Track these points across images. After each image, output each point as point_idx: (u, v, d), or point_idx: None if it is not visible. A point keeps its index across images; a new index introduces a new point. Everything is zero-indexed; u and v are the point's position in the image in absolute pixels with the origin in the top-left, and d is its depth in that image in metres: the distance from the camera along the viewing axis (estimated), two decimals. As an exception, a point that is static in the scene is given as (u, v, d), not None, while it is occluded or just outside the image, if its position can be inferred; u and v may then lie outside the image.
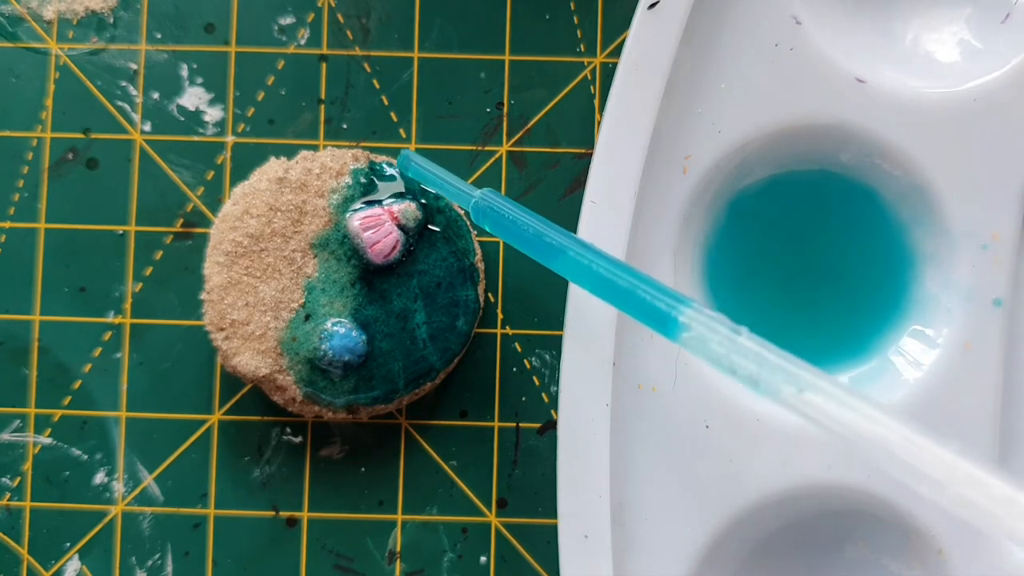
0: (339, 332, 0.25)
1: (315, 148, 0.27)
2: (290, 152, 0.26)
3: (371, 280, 0.25)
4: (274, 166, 0.26)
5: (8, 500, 0.27)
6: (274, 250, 0.25)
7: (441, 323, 0.25)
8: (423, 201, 0.26)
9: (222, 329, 0.25)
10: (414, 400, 0.27)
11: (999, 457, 0.25)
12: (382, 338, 0.25)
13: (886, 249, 0.26)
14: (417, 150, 0.28)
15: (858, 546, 0.26)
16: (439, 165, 0.25)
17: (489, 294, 0.28)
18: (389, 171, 0.26)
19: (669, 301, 0.19)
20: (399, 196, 0.26)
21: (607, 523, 0.24)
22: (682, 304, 0.19)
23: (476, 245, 0.27)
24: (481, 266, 0.26)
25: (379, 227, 0.25)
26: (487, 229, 0.23)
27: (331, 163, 0.26)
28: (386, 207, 0.25)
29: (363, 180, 0.26)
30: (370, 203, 0.25)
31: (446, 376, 0.27)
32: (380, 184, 0.26)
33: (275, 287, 0.25)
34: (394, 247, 0.25)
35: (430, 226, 0.26)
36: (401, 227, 0.25)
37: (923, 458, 0.15)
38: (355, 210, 0.25)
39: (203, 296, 0.25)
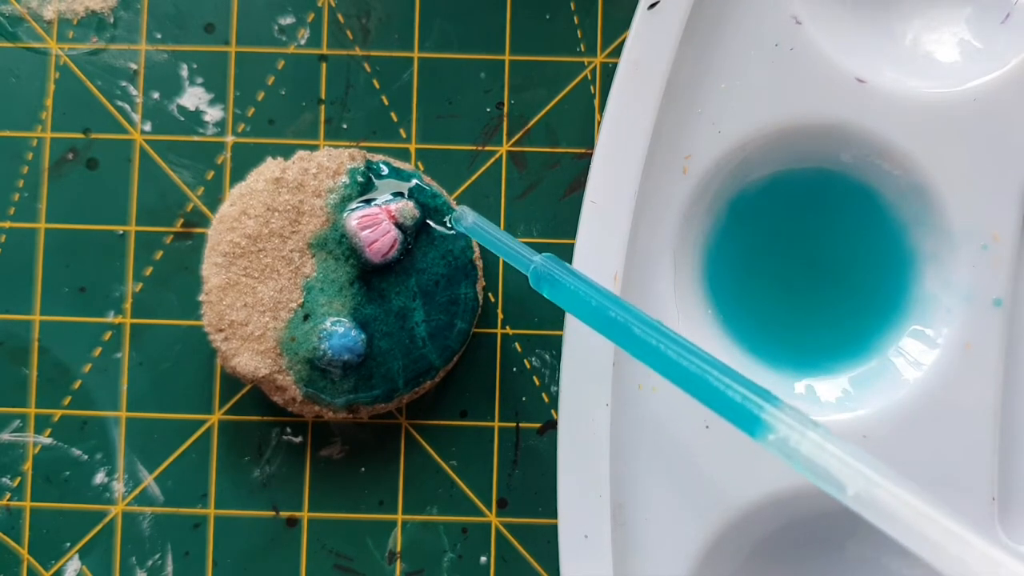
0: (338, 331, 0.25)
1: (315, 148, 0.27)
2: (290, 152, 0.26)
3: (369, 279, 0.25)
4: (271, 166, 0.26)
5: (8, 500, 0.27)
6: (272, 250, 0.25)
7: (440, 321, 0.25)
8: (420, 199, 0.26)
9: (221, 330, 0.25)
10: (414, 399, 0.27)
11: (999, 457, 0.25)
12: (381, 337, 0.25)
13: (886, 249, 0.26)
14: (417, 150, 0.28)
15: (859, 546, 0.26)
16: (496, 225, 0.24)
17: (489, 294, 0.28)
18: (386, 170, 0.26)
19: (751, 396, 0.18)
20: (396, 195, 0.26)
21: (607, 523, 0.24)
22: (767, 402, 0.18)
23: (475, 243, 0.27)
24: (479, 264, 0.26)
25: (377, 226, 0.25)
26: (545, 295, 0.22)
27: (328, 163, 0.26)
28: (383, 206, 0.25)
29: (360, 179, 0.26)
30: (367, 202, 0.25)
31: (446, 375, 0.27)
32: (377, 183, 0.26)
33: (273, 287, 0.25)
34: (392, 246, 0.25)
35: (429, 221, 0.26)
36: (399, 226, 0.25)
37: None
38: (352, 209, 0.25)
39: (202, 297, 0.25)
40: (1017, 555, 0.15)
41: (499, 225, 0.28)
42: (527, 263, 0.23)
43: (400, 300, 0.25)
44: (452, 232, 0.26)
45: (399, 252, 0.25)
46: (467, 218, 0.25)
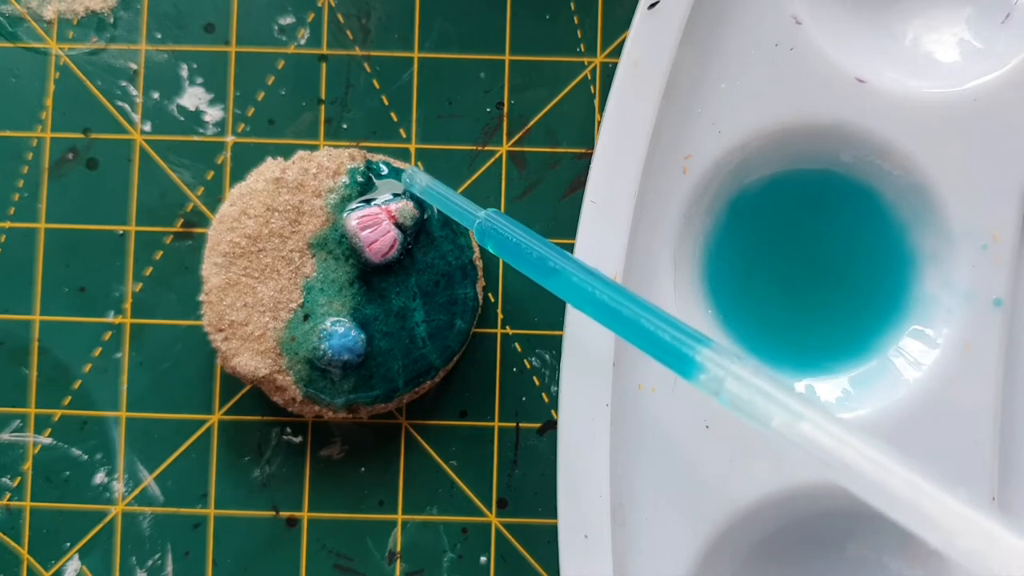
0: (338, 331, 0.25)
1: (315, 148, 0.27)
2: (290, 152, 0.26)
3: (369, 279, 0.25)
4: (271, 166, 0.26)
5: (8, 500, 0.27)
6: (272, 250, 0.25)
7: (440, 321, 0.25)
8: (420, 200, 0.26)
9: (221, 330, 0.25)
10: (414, 399, 0.27)
11: (999, 457, 0.25)
12: (381, 337, 0.25)
13: (886, 249, 0.26)
14: (417, 150, 0.28)
15: (859, 546, 0.26)
16: (442, 183, 0.25)
17: (489, 294, 0.28)
18: (386, 170, 0.26)
19: (682, 337, 0.18)
20: (396, 195, 0.26)
21: (607, 523, 0.24)
22: (699, 343, 0.18)
23: (474, 243, 0.27)
24: (479, 264, 0.26)
25: (377, 226, 0.25)
26: (490, 250, 0.23)
27: (328, 163, 0.26)
28: (383, 206, 0.25)
29: (360, 179, 0.26)
30: (367, 202, 0.25)
31: (446, 375, 0.27)
32: (377, 183, 0.26)
33: (273, 287, 0.25)
34: (392, 246, 0.25)
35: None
36: (399, 226, 0.25)
37: (931, 507, 0.15)
38: (352, 209, 0.25)
39: (202, 297, 0.25)
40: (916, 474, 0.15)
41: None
42: (472, 218, 0.23)
43: (400, 300, 0.25)
44: (445, 236, 0.26)
45: (399, 252, 0.25)
46: (420, 179, 0.25)
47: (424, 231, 0.26)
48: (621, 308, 0.20)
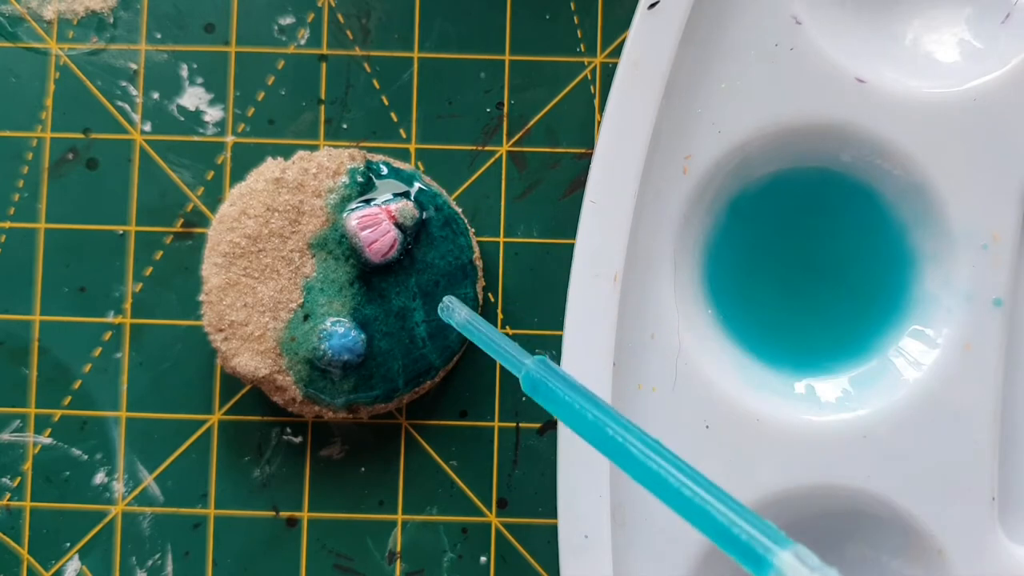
0: (338, 332, 0.25)
1: (315, 148, 0.27)
2: (290, 152, 0.26)
3: (369, 279, 0.25)
4: (271, 166, 0.26)
5: (8, 500, 0.27)
6: (272, 251, 0.25)
7: (440, 321, 0.25)
8: (421, 200, 0.26)
9: (221, 330, 0.25)
10: (414, 399, 0.27)
11: (999, 457, 0.25)
12: (381, 337, 0.25)
13: (886, 249, 0.26)
14: (417, 150, 0.28)
15: (859, 545, 0.26)
16: (489, 324, 0.23)
17: (489, 294, 0.28)
18: (386, 170, 0.26)
19: (759, 537, 0.15)
20: (396, 195, 0.26)
21: (607, 523, 0.24)
22: (776, 543, 0.15)
23: (474, 243, 0.27)
24: (480, 264, 0.26)
25: (377, 226, 0.25)
26: (537, 401, 0.20)
27: (328, 163, 0.26)
28: (383, 206, 0.25)
29: (360, 179, 0.26)
30: (367, 202, 0.25)
31: (446, 375, 0.27)
32: (377, 183, 0.26)
33: (273, 287, 0.25)
34: (392, 246, 0.25)
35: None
36: (399, 226, 0.25)
37: None
38: (352, 209, 0.25)
39: (201, 297, 0.25)
40: None
41: (499, 225, 0.28)
42: (519, 366, 0.21)
43: (400, 300, 0.25)
44: (445, 236, 0.26)
45: (399, 252, 0.25)
46: (458, 313, 0.24)
47: (424, 231, 0.26)
48: (691, 495, 0.17)
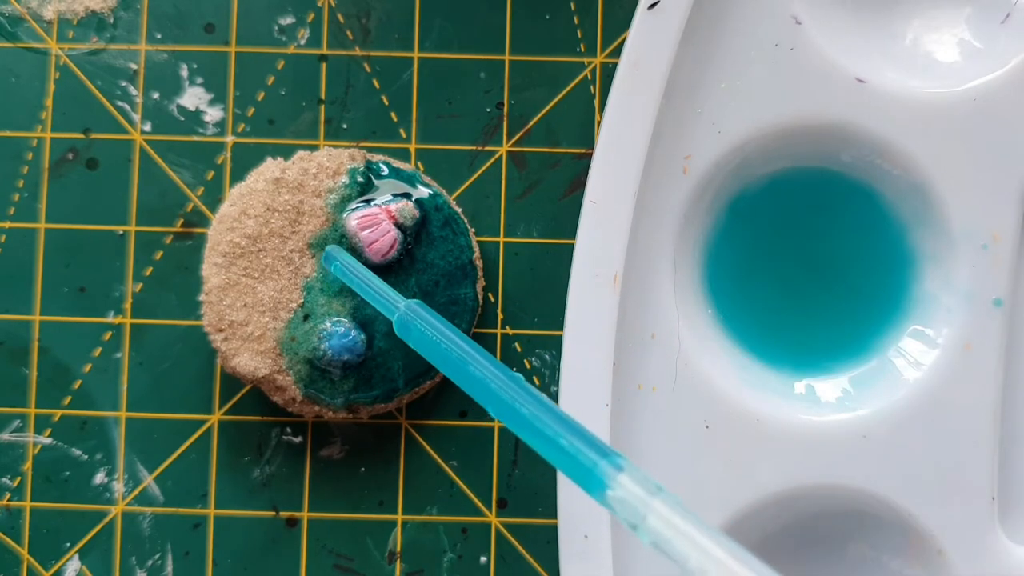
0: (338, 332, 0.25)
1: (315, 148, 0.27)
2: (290, 152, 0.26)
3: (369, 279, 0.25)
4: (271, 166, 0.26)
5: (8, 500, 0.27)
6: (272, 250, 0.25)
7: (440, 321, 0.26)
8: (420, 200, 0.26)
9: (221, 330, 0.25)
10: (414, 399, 0.27)
11: (999, 457, 0.25)
12: (381, 337, 0.25)
13: (886, 249, 0.26)
14: (417, 150, 0.28)
15: (859, 545, 0.26)
16: (363, 265, 0.24)
17: (489, 294, 0.28)
18: (386, 170, 0.26)
19: (595, 456, 0.17)
20: (396, 195, 0.26)
21: (607, 523, 0.24)
22: (608, 461, 0.17)
23: (474, 243, 0.27)
24: (479, 264, 0.26)
25: (377, 226, 0.25)
26: (410, 345, 0.22)
27: (328, 163, 0.26)
28: (383, 206, 0.25)
29: (360, 179, 0.26)
30: (367, 202, 0.25)
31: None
32: (377, 183, 0.26)
33: (273, 287, 0.25)
34: (392, 246, 0.25)
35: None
36: (399, 226, 0.25)
37: None
38: (352, 209, 0.25)
39: (201, 297, 0.25)
40: None
41: (499, 225, 0.28)
42: (392, 309, 0.22)
43: (400, 300, 0.25)
44: (445, 236, 0.26)
45: (399, 252, 0.25)
46: (339, 260, 0.24)
47: (424, 231, 0.26)
48: (537, 422, 0.18)
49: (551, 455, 0.18)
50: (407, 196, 0.26)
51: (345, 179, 0.25)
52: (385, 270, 0.25)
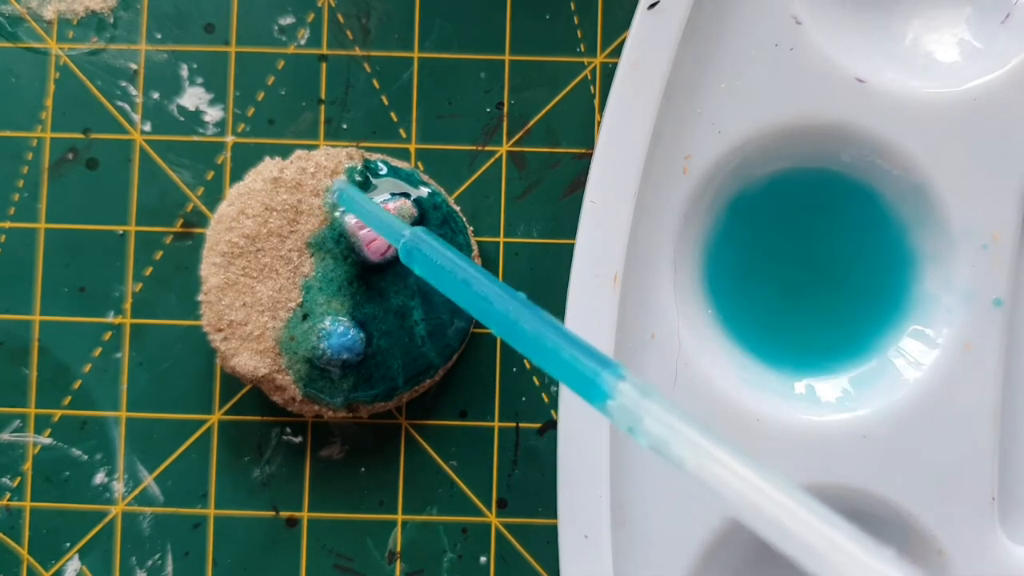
0: (337, 331, 0.25)
1: (314, 148, 0.27)
2: (290, 152, 0.26)
3: (368, 278, 0.25)
4: (269, 166, 0.26)
5: (8, 500, 0.27)
6: (270, 250, 0.25)
7: (439, 320, 0.25)
8: (418, 198, 0.26)
9: (220, 330, 0.25)
10: (414, 397, 0.27)
11: (999, 457, 0.25)
12: (380, 336, 0.25)
13: (886, 249, 0.26)
14: (417, 150, 0.28)
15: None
16: (371, 200, 0.24)
17: (489, 294, 0.28)
18: (384, 169, 0.26)
19: (595, 365, 0.18)
20: (394, 194, 0.26)
21: (607, 523, 0.24)
22: (608, 370, 0.17)
23: (473, 241, 0.27)
24: (478, 262, 0.26)
25: (375, 225, 0.25)
26: (415, 271, 0.22)
27: (326, 162, 0.26)
28: (381, 205, 0.25)
29: (358, 178, 0.26)
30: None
31: (446, 374, 0.27)
32: (375, 182, 0.26)
33: (272, 287, 0.25)
34: (390, 244, 0.25)
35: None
36: (397, 224, 0.25)
37: (842, 560, 0.14)
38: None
39: (200, 297, 0.25)
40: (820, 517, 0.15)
41: (499, 225, 0.28)
42: (398, 236, 0.22)
43: (399, 299, 0.25)
44: (443, 235, 0.26)
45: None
46: (346, 193, 0.25)
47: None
48: (539, 336, 0.19)
49: (553, 368, 0.19)
50: (405, 195, 0.26)
51: (343, 178, 0.25)
52: (384, 269, 0.25)
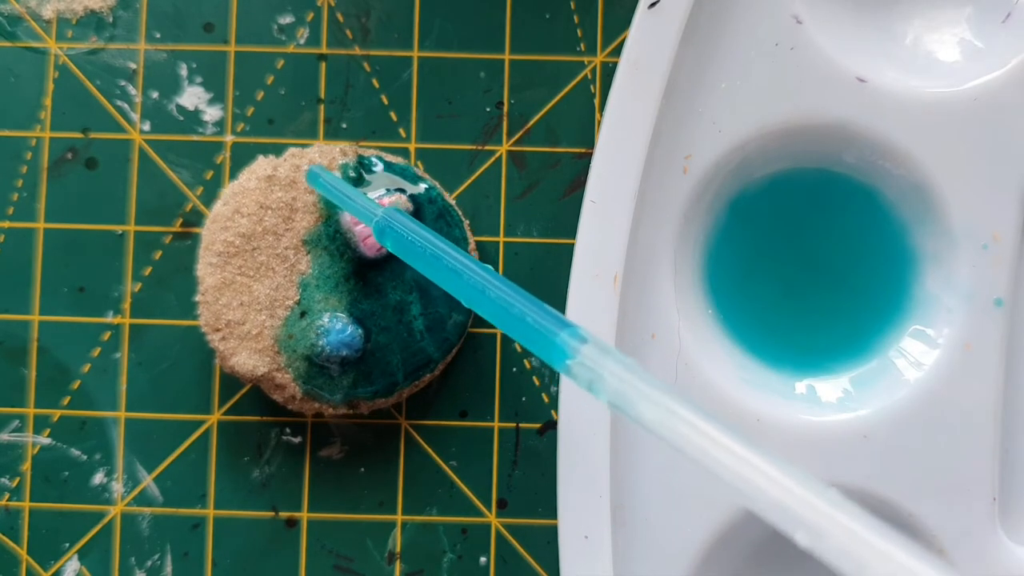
0: (335, 327, 0.25)
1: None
2: (289, 152, 0.26)
3: (365, 274, 0.25)
4: (263, 164, 0.26)
5: (7, 500, 0.27)
6: (266, 248, 0.25)
7: (437, 314, 0.25)
8: (414, 193, 0.26)
9: (218, 330, 0.25)
10: (414, 392, 0.26)
11: (999, 457, 0.25)
12: (379, 332, 0.25)
13: (887, 249, 0.26)
14: (417, 150, 0.28)
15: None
16: (344, 182, 0.25)
17: (489, 294, 0.28)
18: (379, 165, 0.26)
19: (556, 328, 0.19)
20: (389, 189, 0.26)
21: (607, 523, 0.24)
22: (567, 331, 0.19)
23: (469, 235, 0.27)
24: (475, 255, 0.26)
25: (371, 221, 0.25)
26: (388, 248, 0.23)
27: (319, 159, 0.26)
28: (377, 200, 0.25)
29: (352, 174, 0.26)
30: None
31: (446, 373, 0.27)
32: (370, 178, 0.26)
33: (269, 285, 0.25)
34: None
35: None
36: (393, 219, 0.25)
37: (799, 509, 0.15)
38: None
39: (197, 298, 0.25)
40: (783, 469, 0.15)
41: (499, 225, 0.28)
42: (371, 216, 0.23)
43: (397, 294, 0.25)
44: (439, 229, 0.26)
45: (394, 246, 0.25)
46: (321, 178, 0.25)
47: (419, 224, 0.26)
48: (504, 303, 0.20)
49: (517, 333, 0.20)
50: (401, 190, 0.26)
51: (337, 174, 0.25)
52: (381, 264, 0.25)
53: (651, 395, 0.17)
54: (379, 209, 0.23)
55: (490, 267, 0.21)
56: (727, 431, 0.16)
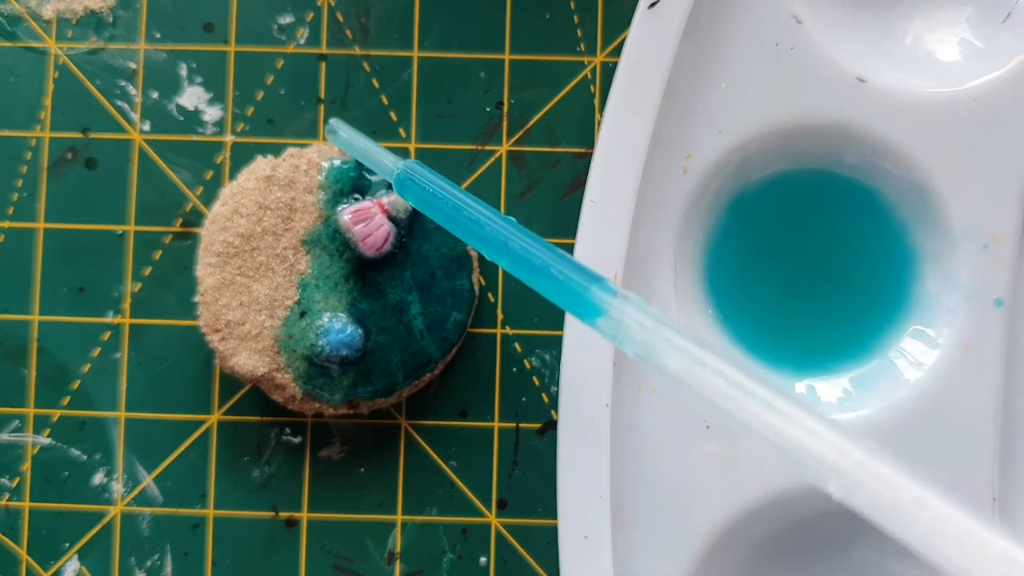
0: (335, 327, 0.25)
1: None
2: (289, 152, 0.26)
3: (365, 274, 0.25)
4: (261, 164, 0.26)
5: (7, 500, 0.27)
6: (266, 248, 0.25)
7: (437, 313, 0.25)
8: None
9: (218, 330, 0.25)
10: (414, 392, 0.26)
11: (999, 457, 0.25)
12: (379, 331, 0.25)
13: (887, 249, 0.26)
14: (417, 150, 0.28)
15: (861, 548, 0.26)
16: (365, 136, 0.25)
17: (489, 294, 0.28)
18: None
19: (585, 281, 0.19)
20: (389, 188, 0.26)
21: (607, 523, 0.24)
22: (598, 284, 0.18)
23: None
24: (474, 254, 0.26)
25: (370, 220, 0.25)
26: (409, 202, 0.23)
27: (318, 159, 0.26)
28: (376, 199, 0.25)
29: (352, 174, 0.26)
30: (360, 196, 0.25)
31: (446, 373, 0.27)
32: (369, 177, 0.26)
33: (269, 285, 0.25)
34: (386, 239, 0.25)
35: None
36: (392, 219, 0.25)
37: (818, 445, 0.15)
38: (345, 204, 0.25)
39: (197, 298, 0.25)
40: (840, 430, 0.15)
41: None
42: (391, 170, 0.23)
43: (396, 294, 0.25)
44: (439, 228, 0.26)
45: (393, 245, 0.25)
46: (340, 131, 0.25)
47: (417, 223, 0.26)
48: (528, 255, 0.20)
49: (543, 285, 0.20)
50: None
51: (337, 174, 0.25)
52: (380, 264, 0.25)
53: (680, 344, 0.17)
54: (399, 162, 0.23)
55: (513, 219, 0.21)
56: (754, 377, 0.16)
